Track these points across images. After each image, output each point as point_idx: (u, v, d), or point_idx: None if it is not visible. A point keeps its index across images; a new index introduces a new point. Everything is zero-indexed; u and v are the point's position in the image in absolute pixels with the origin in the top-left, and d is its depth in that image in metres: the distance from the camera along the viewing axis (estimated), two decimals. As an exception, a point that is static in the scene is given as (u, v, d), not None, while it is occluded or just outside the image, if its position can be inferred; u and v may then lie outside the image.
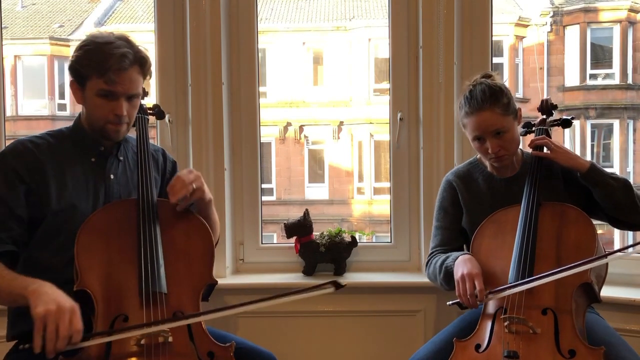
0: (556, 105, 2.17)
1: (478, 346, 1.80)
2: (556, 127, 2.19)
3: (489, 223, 1.99)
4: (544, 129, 2.12)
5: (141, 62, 1.77)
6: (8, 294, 1.59)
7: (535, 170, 1.99)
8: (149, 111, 2.03)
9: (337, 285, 1.59)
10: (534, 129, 2.16)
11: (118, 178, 1.86)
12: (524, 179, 2.01)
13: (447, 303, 1.92)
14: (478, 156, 2.16)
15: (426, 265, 2.14)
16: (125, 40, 1.76)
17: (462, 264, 1.88)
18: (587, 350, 1.70)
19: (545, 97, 2.18)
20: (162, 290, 1.67)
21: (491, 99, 1.95)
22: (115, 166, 1.86)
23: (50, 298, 1.49)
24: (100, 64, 1.70)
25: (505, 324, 1.76)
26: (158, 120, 2.45)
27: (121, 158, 1.88)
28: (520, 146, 2.12)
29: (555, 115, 2.20)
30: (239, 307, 1.62)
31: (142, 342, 1.58)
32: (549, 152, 1.99)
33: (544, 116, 2.16)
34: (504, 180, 2.08)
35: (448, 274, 1.96)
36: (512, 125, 1.99)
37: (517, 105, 2.03)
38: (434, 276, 2.07)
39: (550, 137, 2.09)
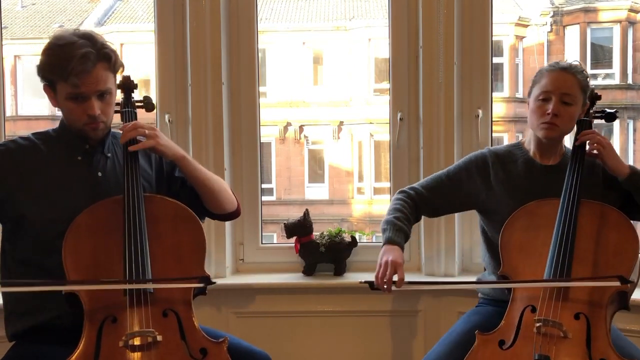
0: (600, 95, 2.09)
1: (502, 342, 1.76)
2: (599, 120, 2.10)
3: (522, 214, 1.92)
4: (587, 121, 2.04)
5: (106, 58, 1.72)
6: None
7: (578, 165, 1.93)
8: (137, 104, 1.96)
9: (208, 282, 1.70)
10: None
11: (106, 175, 1.83)
12: (563, 171, 1.95)
13: (359, 281, 1.93)
14: (522, 140, 2.12)
15: (400, 192, 2.11)
16: (88, 38, 1.71)
17: (390, 251, 1.91)
18: None
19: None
20: (147, 289, 1.64)
21: (578, 69, 1.96)
22: (102, 163, 1.83)
23: None
24: (63, 69, 1.67)
25: (538, 325, 1.71)
26: (157, 113, 2.42)
27: (109, 155, 1.85)
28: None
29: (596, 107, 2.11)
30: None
31: (130, 342, 1.57)
32: (600, 150, 1.93)
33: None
34: (543, 167, 2.03)
35: (383, 233, 2.00)
36: (579, 105, 1.96)
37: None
38: (387, 211, 2.06)
39: (592, 128, 2.03)
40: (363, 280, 1.92)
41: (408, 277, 2.57)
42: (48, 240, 1.70)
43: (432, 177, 2.15)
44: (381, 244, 1.98)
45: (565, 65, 1.97)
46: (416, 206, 2.08)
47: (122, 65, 1.80)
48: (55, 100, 1.77)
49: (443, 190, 2.10)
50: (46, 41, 1.74)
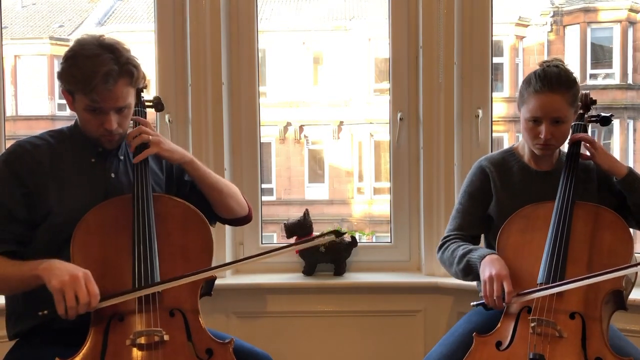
0: (595, 100, 2.07)
1: (499, 343, 1.76)
2: (594, 124, 2.11)
3: (518, 218, 1.93)
4: (581, 125, 2.04)
5: (129, 74, 1.70)
6: (19, 280, 1.63)
7: (572, 167, 1.94)
8: (147, 104, 1.97)
9: (338, 234, 1.68)
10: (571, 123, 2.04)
11: (119, 177, 1.84)
12: (559, 176, 1.95)
13: (472, 304, 1.87)
14: (515, 145, 2.12)
15: (440, 247, 2.08)
16: (112, 51, 1.69)
17: (490, 264, 1.82)
18: None
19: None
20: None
21: (566, 85, 1.90)
22: (115, 165, 1.84)
23: (61, 271, 1.55)
24: (84, 85, 1.66)
25: (532, 325, 1.72)
26: (157, 113, 2.42)
27: (122, 157, 1.86)
28: None
29: (593, 111, 2.11)
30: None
31: (138, 341, 1.58)
32: (592, 152, 1.93)
33: (581, 111, 2.07)
34: (539, 173, 2.03)
35: (469, 267, 1.92)
36: (571, 118, 1.95)
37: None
38: (449, 263, 2.02)
39: (586, 133, 2.03)
40: (475, 303, 1.85)
41: (408, 277, 2.61)
42: (60, 241, 1.71)
43: (452, 217, 2.13)
44: (467, 266, 1.93)
45: (552, 77, 1.89)
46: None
47: (144, 77, 1.79)
48: (72, 106, 1.76)
49: (471, 218, 2.08)
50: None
